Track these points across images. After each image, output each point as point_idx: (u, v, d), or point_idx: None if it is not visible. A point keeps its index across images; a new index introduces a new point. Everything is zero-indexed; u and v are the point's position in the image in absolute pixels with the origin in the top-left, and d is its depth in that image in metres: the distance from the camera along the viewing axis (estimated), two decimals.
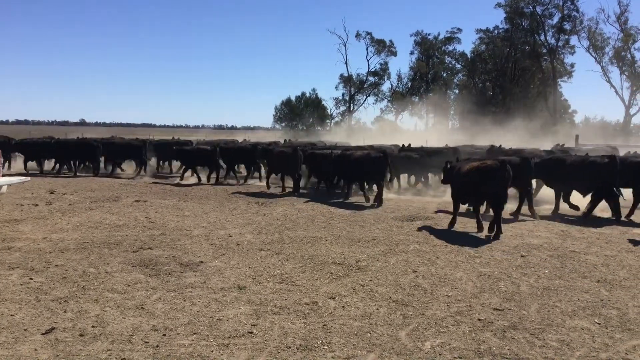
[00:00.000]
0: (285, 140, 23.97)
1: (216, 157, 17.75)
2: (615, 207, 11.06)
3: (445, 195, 13.53)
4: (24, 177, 10.91)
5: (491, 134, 30.62)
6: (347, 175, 14.18)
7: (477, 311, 5.31)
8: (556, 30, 60.07)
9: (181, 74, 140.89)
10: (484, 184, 9.29)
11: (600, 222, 10.72)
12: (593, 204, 11.27)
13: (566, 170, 11.61)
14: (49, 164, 21.13)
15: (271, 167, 16.17)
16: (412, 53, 71.62)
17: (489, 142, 20.49)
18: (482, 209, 10.59)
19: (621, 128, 55.30)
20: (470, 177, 9.50)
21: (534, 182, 12.35)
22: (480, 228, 9.49)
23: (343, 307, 5.39)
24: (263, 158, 17.57)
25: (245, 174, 18.60)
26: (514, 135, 29.36)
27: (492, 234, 9.03)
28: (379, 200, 12.81)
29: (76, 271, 6.48)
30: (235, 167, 18.58)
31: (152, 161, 21.28)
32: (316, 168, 15.52)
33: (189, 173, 18.02)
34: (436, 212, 11.82)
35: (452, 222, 9.97)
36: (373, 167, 13.20)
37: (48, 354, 4.20)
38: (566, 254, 7.78)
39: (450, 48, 70.54)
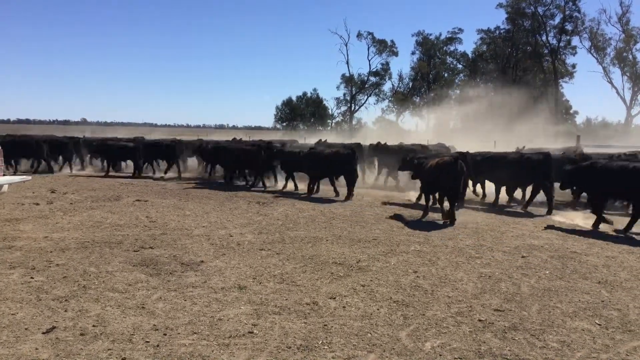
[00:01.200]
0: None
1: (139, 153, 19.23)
2: (549, 201, 11.96)
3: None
4: (24, 176, 10.91)
5: (492, 134, 30.60)
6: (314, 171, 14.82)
7: (478, 312, 5.31)
8: (558, 31, 60.07)
9: (182, 74, 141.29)
10: (441, 178, 10.54)
11: (533, 215, 11.65)
12: (531, 198, 12.38)
13: (503, 167, 12.69)
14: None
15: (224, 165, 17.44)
16: (413, 53, 71.61)
17: (490, 142, 20.49)
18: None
19: (622, 129, 55.27)
20: (431, 172, 10.85)
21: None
22: (445, 217, 10.48)
23: (343, 307, 5.39)
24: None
25: (174, 168, 19.41)
26: (514, 136, 29.34)
27: (449, 221, 10.23)
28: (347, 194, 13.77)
29: (77, 270, 6.48)
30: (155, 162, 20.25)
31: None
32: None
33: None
34: (383, 203, 12.96)
35: (425, 214, 11.09)
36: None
37: (49, 353, 4.20)
38: (567, 255, 7.78)
39: (452, 48, 70.53)
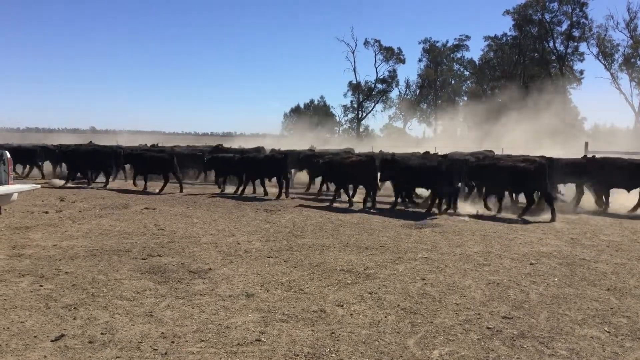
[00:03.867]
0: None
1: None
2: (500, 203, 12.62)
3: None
4: (34, 185, 10.98)
5: (500, 140, 30.54)
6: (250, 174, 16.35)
7: (486, 319, 5.29)
8: (565, 37, 60.01)
9: (190, 81, 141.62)
10: (358, 173, 13.64)
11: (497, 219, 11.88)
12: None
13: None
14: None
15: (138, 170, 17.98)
16: (420, 60, 71.84)
17: (498, 149, 20.45)
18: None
19: (631, 134, 54.96)
20: (347, 168, 13.86)
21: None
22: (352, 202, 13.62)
23: (351, 314, 5.39)
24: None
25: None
26: (522, 142, 29.25)
27: (369, 207, 13.04)
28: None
29: (86, 278, 6.52)
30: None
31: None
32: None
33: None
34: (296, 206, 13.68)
35: (364, 202, 13.52)
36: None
37: None
38: (576, 262, 7.74)
39: (459, 55, 70.67)
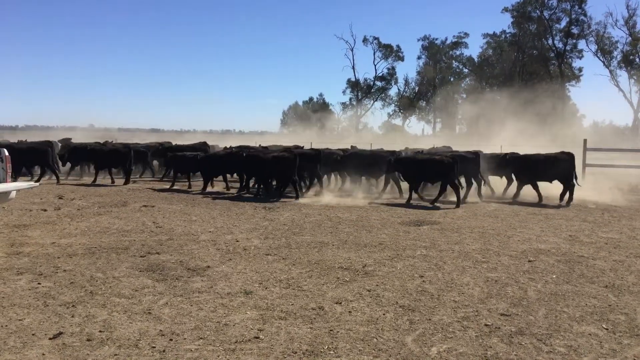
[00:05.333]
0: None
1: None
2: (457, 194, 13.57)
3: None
4: (32, 183, 10.98)
5: (499, 138, 30.49)
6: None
7: (484, 316, 5.30)
8: (564, 35, 60.09)
9: (188, 78, 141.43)
10: (279, 168, 14.70)
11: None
12: (440, 193, 13.94)
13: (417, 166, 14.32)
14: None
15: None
16: (419, 58, 71.94)
17: (496, 147, 20.47)
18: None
19: (630, 132, 55.04)
20: (270, 162, 14.84)
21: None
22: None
23: (349, 312, 5.39)
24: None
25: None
26: (521, 140, 29.25)
27: (295, 198, 14.21)
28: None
29: (84, 276, 6.52)
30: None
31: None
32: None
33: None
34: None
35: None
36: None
37: (55, 358, 4.23)
38: (574, 259, 7.75)
39: (458, 52, 70.70)
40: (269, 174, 15.31)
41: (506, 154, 15.95)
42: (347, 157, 16.41)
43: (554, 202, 14.11)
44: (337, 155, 16.72)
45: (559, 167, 14.33)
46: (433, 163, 13.92)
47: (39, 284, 6.18)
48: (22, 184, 10.45)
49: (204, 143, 22.63)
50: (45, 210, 11.70)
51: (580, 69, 62.00)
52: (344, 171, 16.79)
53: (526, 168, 14.81)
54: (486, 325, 5.06)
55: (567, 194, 14.11)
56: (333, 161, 16.40)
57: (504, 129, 35.47)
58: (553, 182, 14.54)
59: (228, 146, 21.92)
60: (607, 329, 5.00)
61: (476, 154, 15.17)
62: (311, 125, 68.49)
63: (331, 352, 4.41)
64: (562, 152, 14.80)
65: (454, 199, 13.52)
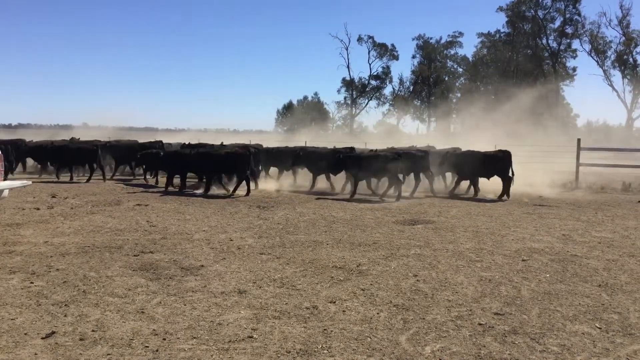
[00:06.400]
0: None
1: None
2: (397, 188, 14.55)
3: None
4: (25, 181, 10.92)
5: (493, 137, 30.56)
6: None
7: (478, 316, 5.30)
8: (558, 34, 60.31)
9: (182, 77, 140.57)
10: (230, 164, 15.21)
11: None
12: (388, 187, 14.85)
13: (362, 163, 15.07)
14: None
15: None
16: (414, 57, 71.97)
17: (491, 146, 20.53)
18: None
19: (624, 131, 55.29)
20: (220, 158, 15.23)
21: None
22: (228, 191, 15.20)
23: (343, 311, 5.39)
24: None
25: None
26: (515, 140, 29.33)
27: (245, 194, 14.68)
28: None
29: (77, 275, 6.49)
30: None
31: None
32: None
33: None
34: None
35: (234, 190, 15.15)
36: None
37: (48, 358, 4.20)
38: (567, 258, 7.77)
39: (452, 52, 70.77)
40: (222, 170, 15.78)
41: (447, 151, 16.98)
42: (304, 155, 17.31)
43: (490, 197, 15.31)
44: (299, 151, 17.62)
45: (497, 164, 15.21)
46: (378, 160, 14.79)
47: (31, 283, 6.14)
48: (14, 182, 10.38)
49: (159, 142, 23.04)
50: (38, 208, 11.64)
51: (574, 69, 62.28)
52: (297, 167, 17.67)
53: (466, 165, 15.76)
54: (480, 324, 5.06)
55: (503, 189, 15.16)
56: (295, 157, 17.26)
57: (498, 128, 35.56)
58: (491, 178, 15.57)
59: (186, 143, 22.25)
60: (600, 328, 5.01)
61: (425, 152, 16.08)
62: (306, 124, 68.43)
63: (325, 351, 4.40)
64: (500, 150, 15.79)
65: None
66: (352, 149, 18.08)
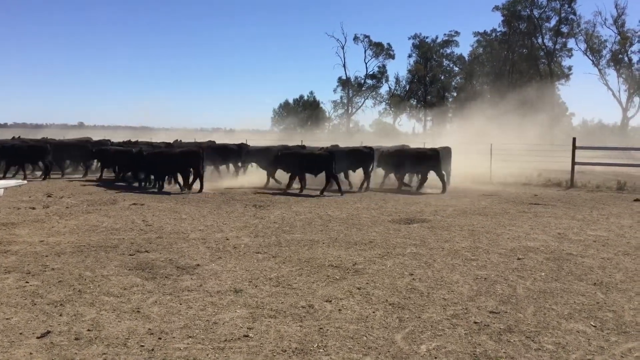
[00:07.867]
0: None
1: None
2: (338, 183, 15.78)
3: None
4: (20, 181, 10.89)
5: (489, 136, 30.62)
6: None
7: (473, 314, 5.31)
8: (553, 33, 60.36)
9: (178, 76, 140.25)
10: (186, 162, 15.73)
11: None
12: (326, 183, 15.88)
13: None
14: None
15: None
16: (410, 56, 71.86)
17: (487, 145, 20.59)
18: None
19: (619, 130, 55.43)
20: (176, 157, 15.93)
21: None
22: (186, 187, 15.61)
23: (339, 310, 5.39)
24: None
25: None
26: (510, 138, 29.38)
27: (198, 190, 15.25)
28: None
29: (72, 274, 6.47)
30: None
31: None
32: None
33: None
34: None
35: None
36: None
37: (43, 357, 4.19)
38: (563, 257, 7.79)
39: (448, 51, 70.75)
40: (175, 168, 16.19)
41: (381, 150, 17.95)
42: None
43: (428, 191, 16.36)
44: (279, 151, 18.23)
45: (427, 161, 16.41)
46: (313, 157, 16.25)
47: (26, 282, 6.13)
48: (9, 181, 10.36)
49: (88, 139, 23.53)
50: (33, 208, 11.60)
51: (569, 68, 62.32)
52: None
53: (393, 161, 17.12)
54: (475, 322, 5.08)
55: (420, 182, 16.85)
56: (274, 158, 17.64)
57: (494, 126, 35.62)
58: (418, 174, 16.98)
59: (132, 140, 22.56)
60: (595, 327, 5.03)
61: (370, 149, 17.21)
62: (302, 123, 68.36)
63: (321, 350, 4.41)
64: (431, 149, 17.04)
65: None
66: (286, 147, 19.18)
